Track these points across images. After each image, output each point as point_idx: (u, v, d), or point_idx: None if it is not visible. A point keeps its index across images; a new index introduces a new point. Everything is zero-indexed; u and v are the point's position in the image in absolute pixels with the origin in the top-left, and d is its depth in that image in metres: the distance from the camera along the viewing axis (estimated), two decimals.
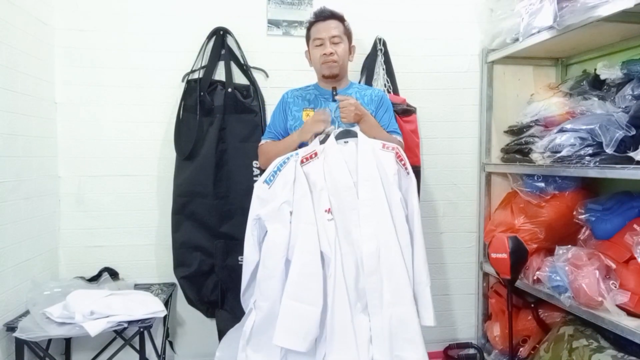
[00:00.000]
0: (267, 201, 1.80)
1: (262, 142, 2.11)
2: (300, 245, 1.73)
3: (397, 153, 1.86)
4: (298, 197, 1.77)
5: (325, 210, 1.75)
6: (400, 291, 1.75)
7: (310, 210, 1.74)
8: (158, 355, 2.30)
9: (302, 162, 1.80)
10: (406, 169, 1.87)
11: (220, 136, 2.38)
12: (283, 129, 2.07)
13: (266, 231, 1.82)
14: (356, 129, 1.88)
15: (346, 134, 1.85)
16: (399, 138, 2.03)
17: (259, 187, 1.83)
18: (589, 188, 2.27)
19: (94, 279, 2.36)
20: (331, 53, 1.96)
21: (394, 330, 1.73)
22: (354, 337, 1.70)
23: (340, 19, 2.02)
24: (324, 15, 2.00)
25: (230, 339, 1.93)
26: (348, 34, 2.04)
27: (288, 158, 1.82)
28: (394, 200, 1.80)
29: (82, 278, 2.34)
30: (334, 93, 1.97)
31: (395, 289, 1.74)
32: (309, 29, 2.05)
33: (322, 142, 1.85)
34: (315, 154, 1.81)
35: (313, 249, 1.72)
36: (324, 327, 1.72)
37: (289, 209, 1.77)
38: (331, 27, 1.98)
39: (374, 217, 1.76)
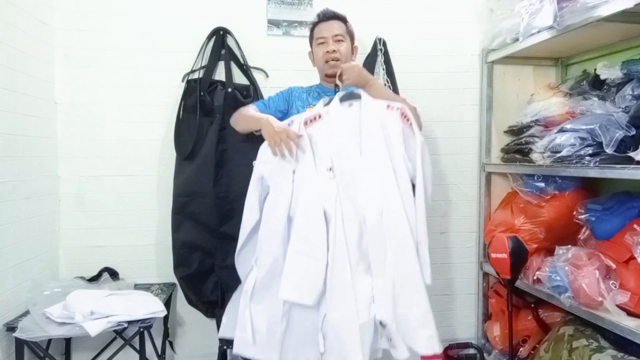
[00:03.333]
0: (270, 162, 1.81)
1: (249, 106, 2.06)
2: (304, 201, 1.73)
3: (402, 112, 1.83)
4: (300, 156, 1.77)
5: (327, 169, 1.75)
6: (403, 250, 1.73)
7: (312, 168, 1.75)
8: (158, 355, 2.30)
9: (306, 123, 1.81)
10: (412, 128, 1.84)
11: (220, 136, 2.38)
12: (276, 110, 2.06)
13: (268, 192, 1.82)
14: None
15: (350, 96, 1.86)
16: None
17: (264, 149, 1.84)
18: (589, 188, 2.27)
19: (94, 279, 2.36)
20: (334, 51, 1.99)
21: (397, 290, 1.72)
22: (353, 296, 1.69)
23: (342, 19, 2.06)
24: (327, 16, 2.04)
25: (235, 304, 1.91)
26: (351, 34, 2.07)
27: (293, 120, 1.84)
28: (397, 160, 1.78)
29: (82, 278, 2.34)
30: (337, 90, 1.97)
31: (398, 248, 1.73)
32: (312, 30, 2.09)
33: (327, 104, 1.86)
34: (320, 116, 1.82)
35: (316, 205, 1.72)
36: (326, 285, 1.71)
37: (292, 167, 1.78)
38: (334, 27, 2.02)
39: (377, 178, 1.75)
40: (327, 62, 2.00)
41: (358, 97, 1.85)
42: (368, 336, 1.70)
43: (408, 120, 1.84)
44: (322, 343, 1.70)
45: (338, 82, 1.92)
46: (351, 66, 1.91)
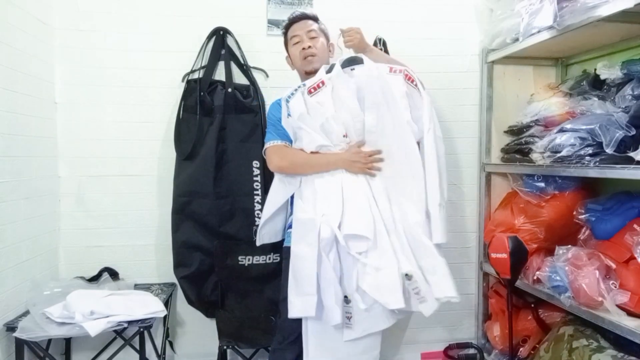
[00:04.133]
0: (300, 127, 1.84)
1: (277, 143, 1.91)
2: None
3: (405, 74, 1.84)
4: (308, 129, 1.81)
5: (343, 136, 1.79)
6: (413, 206, 1.78)
7: (322, 138, 1.80)
8: (158, 355, 2.30)
9: (309, 92, 1.81)
10: (417, 88, 1.85)
11: (220, 136, 2.38)
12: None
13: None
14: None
15: (352, 62, 1.85)
16: None
17: (288, 122, 1.87)
18: (589, 188, 2.27)
19: (94, 279, 2.36)
20: (310, 46, 1.99)
21: (412, 244, 1.76)
22: (389, 246, 1.74)
23: (313, 18, 2.06)
24: (298, 17, 2.06)
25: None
26: (324, 32, 2.07)
27: (296, 89, 1.84)
28: (401, 123, 1.80)
29: (82, 278, 2.34)
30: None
31: (405, 206, 1.77)
32: (285, 34, 2.09)
33: (329, 71, 1.85)
34: (323, 83, 1.81)
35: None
36: None
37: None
38: (306, 25, 2.03)
39: (381, 142, 1.77)
40: (305, 58, 2.00)
41: (360, 61, 1.84)
42: (403, 287, 1.72)
43: (413, 81, 1.84)
44: (360, 301, 1.71)
45: (339, 45, 1.92)
46: (352, 28, 1.92)
